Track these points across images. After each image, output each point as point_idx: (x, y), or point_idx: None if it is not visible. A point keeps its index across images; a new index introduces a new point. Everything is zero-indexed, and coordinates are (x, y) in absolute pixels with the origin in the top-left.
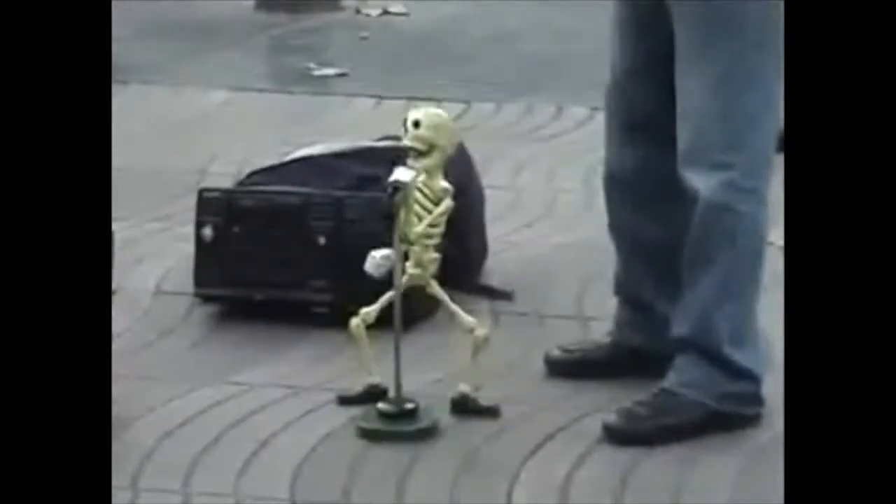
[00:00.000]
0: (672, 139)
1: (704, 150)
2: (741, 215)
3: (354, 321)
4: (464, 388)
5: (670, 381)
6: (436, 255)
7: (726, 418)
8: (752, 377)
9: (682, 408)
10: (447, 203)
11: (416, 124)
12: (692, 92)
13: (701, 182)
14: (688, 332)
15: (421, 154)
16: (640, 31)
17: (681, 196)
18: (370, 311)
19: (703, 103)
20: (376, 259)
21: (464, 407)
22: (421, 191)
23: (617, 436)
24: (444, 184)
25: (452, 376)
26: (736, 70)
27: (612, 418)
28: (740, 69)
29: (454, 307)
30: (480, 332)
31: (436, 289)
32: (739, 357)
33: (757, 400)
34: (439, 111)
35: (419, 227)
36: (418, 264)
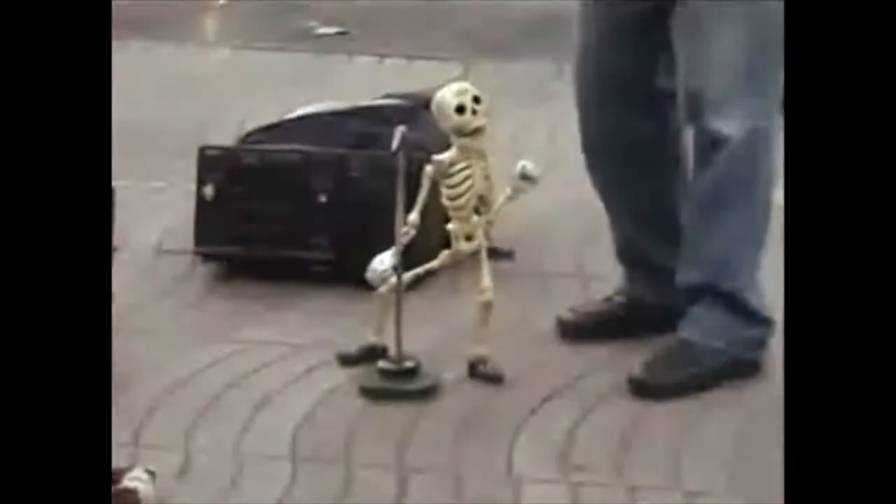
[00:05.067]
0: (654, 96)
1: (736, 99)
2: (762, 161)
3: (383, 288)
4: (480, 350)
5: (688, 330)
6: (476, 217)
7: (747, 364)
8: (768, 322)
9: (703, 356)
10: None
11: (478, 100)
12: (720, 44)
13: (732, 128)
14: (706, 277)
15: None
16: None
17: (666, 151)
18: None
19: (734, 54)
20: (377, 272)
21: (475, 369)
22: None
23: (643, 389)
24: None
25: (456, 335)
26: (762, 20)
27: (636, 371)
28: (765, 18)
29: (486, 265)
30: (482, 297)
31: (483, 253)
32: (757, 303)
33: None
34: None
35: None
36: (468, 237)
